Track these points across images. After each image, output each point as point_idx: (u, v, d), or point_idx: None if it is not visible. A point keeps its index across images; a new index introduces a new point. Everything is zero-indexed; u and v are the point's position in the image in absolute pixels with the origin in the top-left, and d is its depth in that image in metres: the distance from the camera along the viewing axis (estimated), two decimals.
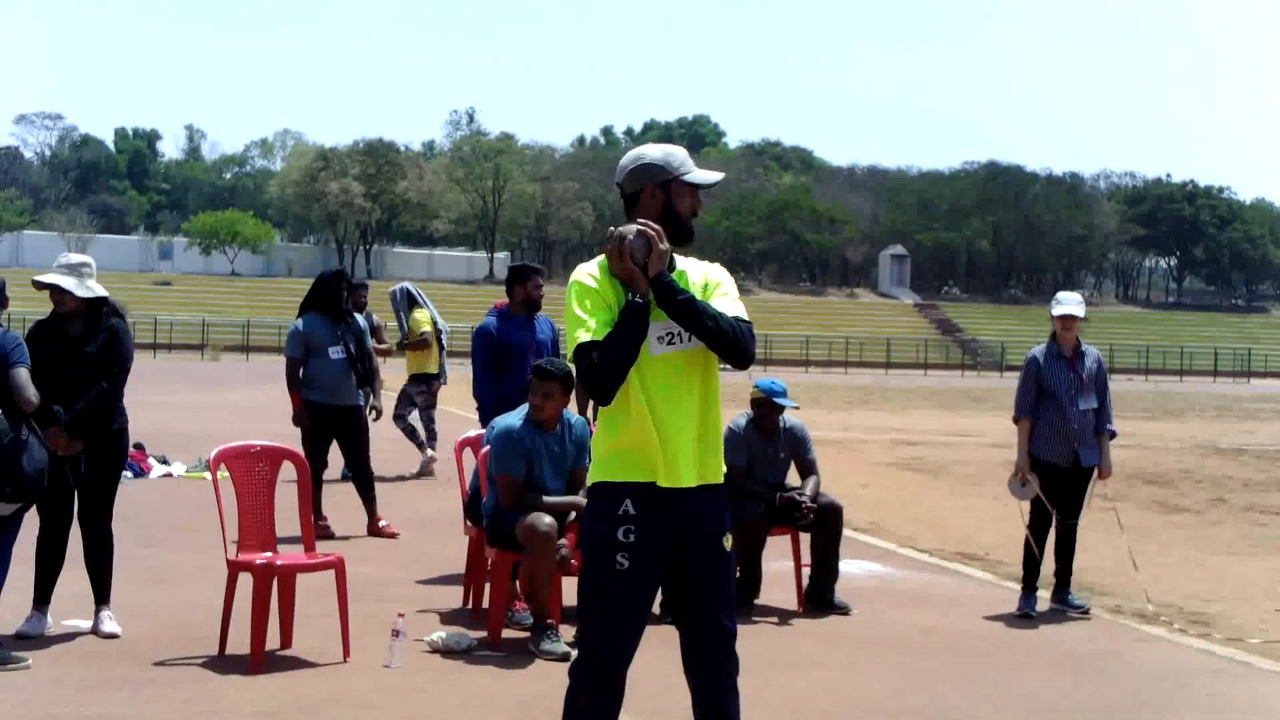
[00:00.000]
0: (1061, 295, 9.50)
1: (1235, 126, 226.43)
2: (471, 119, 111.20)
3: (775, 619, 8.78)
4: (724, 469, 4.62)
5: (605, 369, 4.33)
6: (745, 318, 4.56)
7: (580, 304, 4.40)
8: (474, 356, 9.86)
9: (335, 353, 11.29)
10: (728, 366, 4.61)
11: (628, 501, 4.43)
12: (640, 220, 4.47)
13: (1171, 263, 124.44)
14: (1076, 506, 9.32)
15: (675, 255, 4.59)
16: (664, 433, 4.43)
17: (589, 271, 4.48)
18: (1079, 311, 9.30)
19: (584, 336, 4.36)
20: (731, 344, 4.42)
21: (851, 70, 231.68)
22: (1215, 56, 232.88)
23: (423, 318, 15.23)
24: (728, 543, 4.58)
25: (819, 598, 9.05)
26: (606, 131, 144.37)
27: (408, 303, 15.39)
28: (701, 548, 4.52)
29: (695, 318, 4.38)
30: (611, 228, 4.45)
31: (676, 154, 4.60)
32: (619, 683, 4.52)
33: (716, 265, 4.74)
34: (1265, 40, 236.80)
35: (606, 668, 4.49)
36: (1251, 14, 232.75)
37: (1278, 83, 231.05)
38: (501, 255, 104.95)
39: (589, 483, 4.61)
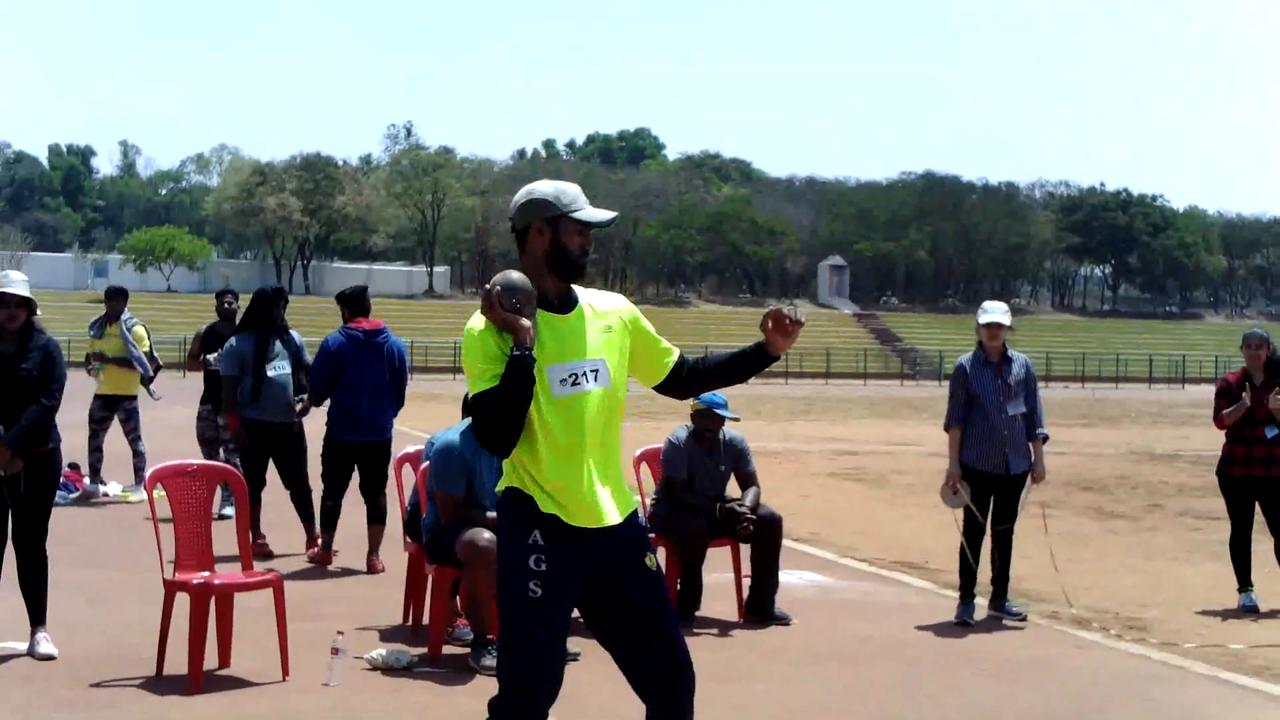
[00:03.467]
0: (987, 304, 9.61)
1: (1168, 135, 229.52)
2: (410, 133, 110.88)
3: (716, 630, 8.80)
4: (635, 496, 4.62)
5: (493, 423, 4.27)
6: (674, 352, 4.70)
7: (470, 356, 4.36)
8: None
9: (273, 370, 11.23)
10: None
11: (536, 532, 4.37)
12: (503, 274, 4.42)
13: (1106, 271, 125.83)
14: (1010, 513, 9.41)
15: (576, 288, 4.57)
16: (572, 476, 4.40)
17: (475, 324, 4.40)
18: (1004, 320, 9.41)
19: (476, 389, 4.32)
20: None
21: (790, 82, 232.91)
22: (1148, 66, 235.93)
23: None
24: (651, 561, 4.55)
25: (759, 609, 9.08)
26: (548, 144, 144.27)
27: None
28: (627, 576, 4.49)
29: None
30: (486, 285, 4.39)
31: (568, 191, 4.52)
32: (543, 716, 4.43)
33: (619, 296, 4.73)
34: (1197, 51, 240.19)
35: (530, 702, 4.40)
36: (1184, 25, 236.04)
37: (1209, 92, 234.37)
38: (441, 269, 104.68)
39: (500, 488, 4.53)
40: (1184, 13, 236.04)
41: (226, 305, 13.59)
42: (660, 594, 4.56)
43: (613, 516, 4.47)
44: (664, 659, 4.51)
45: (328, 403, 10.82)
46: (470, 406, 4.35)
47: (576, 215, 4.49)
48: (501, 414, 4.27)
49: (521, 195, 4.55)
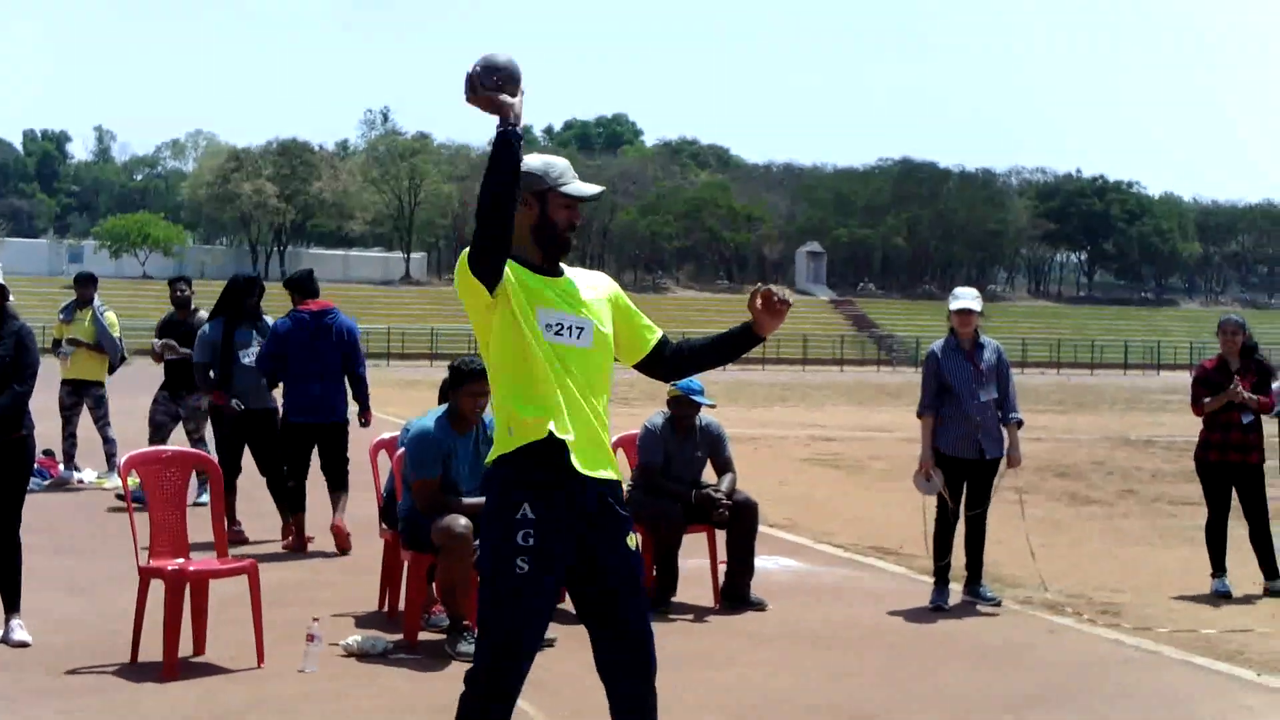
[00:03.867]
0: (958, 290, 9.63)
1: (1144, 122, 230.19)
2: (386, 118, 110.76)
3: (692, 616, 8.82)
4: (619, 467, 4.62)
5: (488, 214, 4.18)
6: (657, 331, 4.71)
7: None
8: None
9: (247, 357, 11.22)
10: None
11: (525, 505, 4.34)
12: (484, 54, 4.32)
13: (1082, 257, 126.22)
14: (983, 499, 9.44)
15: (561, 264, 4.57)
16: (561, 418, 4.35)
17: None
18: (975, 306, 9.43)
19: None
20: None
21: (768, 68, 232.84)
22: (1125, 53, 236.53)
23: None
24: (633, 541, 4.55)
25: (735, 594, 9.10)
26: (525, 130, 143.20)
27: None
28: (608, 548, 4.47)
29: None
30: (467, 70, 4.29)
31: (556, 164, 4.53)
32: (516, 692, 4.44)
33: (601, 274, 4.74)
34: (1173, 38, 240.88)
35: (505, 678, 4.40)
36: (1161, 12, 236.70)
37: (1185, 80, 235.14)
38: (418, 256, 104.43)
39: (491, 458, 4.49)
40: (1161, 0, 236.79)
41: (179, 293, 13.50)
42: (636, 580, 4.55)
43: (603, 471, 4.45)
44: (628, 646, 4.51)
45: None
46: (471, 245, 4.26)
47: (565, 189, 4.48)
48: (492, 202, 4.18)
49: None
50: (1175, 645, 8.34)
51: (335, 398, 10.93)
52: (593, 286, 4.62)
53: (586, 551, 4.45)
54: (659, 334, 4.77)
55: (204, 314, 13.16)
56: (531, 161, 4.48)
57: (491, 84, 4.25)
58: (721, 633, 8.45)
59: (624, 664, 4.52)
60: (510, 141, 4.20)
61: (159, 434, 13.02)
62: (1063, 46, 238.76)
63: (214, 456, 10.49)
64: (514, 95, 4.27)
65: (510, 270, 4.35)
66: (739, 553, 9.12)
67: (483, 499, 7.68)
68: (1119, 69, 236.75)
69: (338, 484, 10.96)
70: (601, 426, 4.50)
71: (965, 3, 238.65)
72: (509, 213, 4.22)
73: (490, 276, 4.29)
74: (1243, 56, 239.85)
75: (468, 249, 4.33)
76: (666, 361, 4.79)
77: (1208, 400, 10.14)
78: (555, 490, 4.37)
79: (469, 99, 4.28)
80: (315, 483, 10.99)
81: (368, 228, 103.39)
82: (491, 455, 4.51)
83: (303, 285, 11.10)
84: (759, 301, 4.55)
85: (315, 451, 11.03)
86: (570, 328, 4.43)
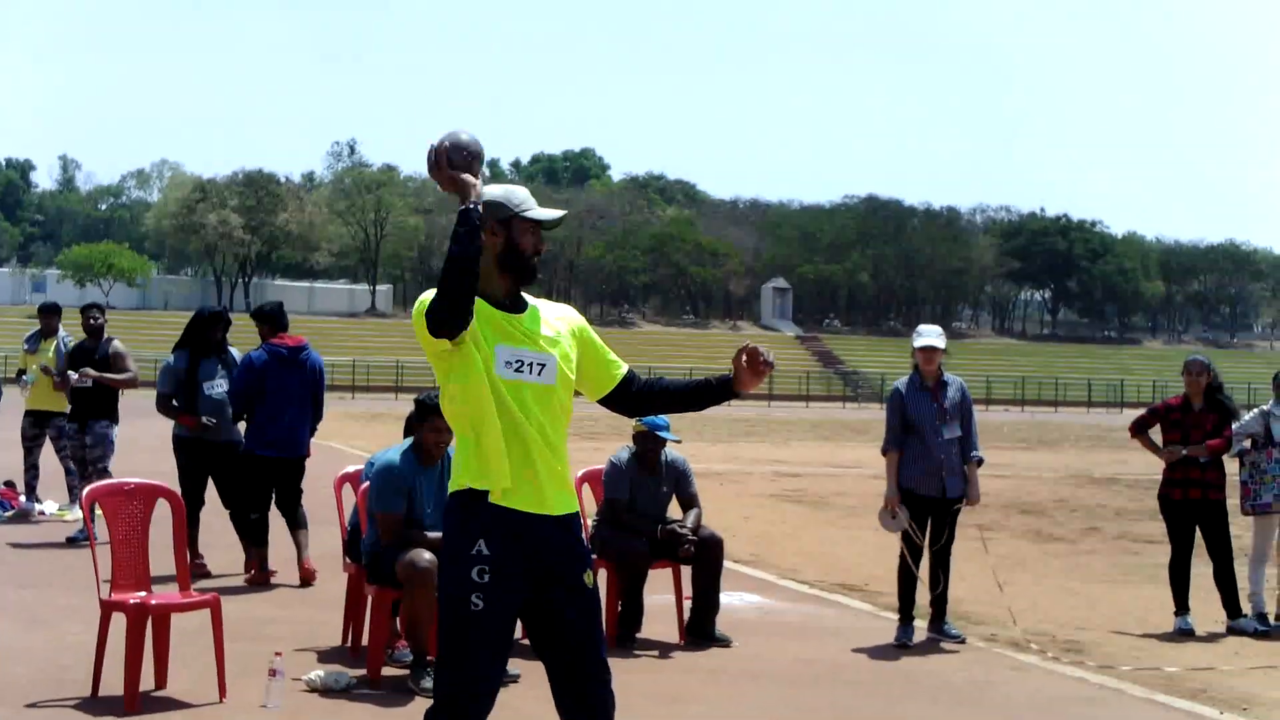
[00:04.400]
0: (922, 328, 9.68)
1: (1108, 162, 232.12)
2: (353, 150, 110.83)
3: (656, 652, 8.80)
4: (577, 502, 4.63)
5: (448, 288, 4.26)
6: (623, 366, 4.73)
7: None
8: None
9: (210, 388, 11.17)
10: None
11: (481, 541, 4.35)
12: (450, 131, 4.45)
13: (1046, 295, 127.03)
14: (948, 535, 9.47)
15: (525, 295, 4.60)
16: (518, 458, 4.38)
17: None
18: (939, 343, 9.48)
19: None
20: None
21: (735, 104, 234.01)
22: (1089, 93, 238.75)
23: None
24: (589, 579, 4.53)
25: (700, 630, 9.09)
26: (492, 164, 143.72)
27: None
28: (566, 589, 4.46)
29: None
30: (431, 143, 4.42)
31: (517, 192, 4.58)
32: None
33: (568, 307, 4.75)
34: (1134, 76, 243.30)
35: (465, 715, 4.39)
36: (1124, 52, 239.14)
37: (1146, 118, 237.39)
38: (384, 288, 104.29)
39: (451, 489, 4.48)
40: (1125, 40, 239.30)
41: (91, 320, 13.33)
42: (593, 616, 4.52)
43: (559, 507, 4.47)
44: (584, 684, 4.49)
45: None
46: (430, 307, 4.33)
47: (529, 214, 4.52)
48: (455, 275, 4.26)
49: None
50: (1138, 683, 8.36)
51: (304, 433, 10.94)
52: (558, 319, 4.63)
53: (542, 588, 4.44)
54: (624, 369, 4.77)
55: (118, 343, 13.18)
56: (492, 190, 4.53)
57: (460, 160, 4.40)
58: (685, 669, 8.42)
59: (581, 702, 4.49)
60: (472, 218, 4.33)
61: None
62: (1028, 86, 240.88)
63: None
64: (476, 174, 4.42)
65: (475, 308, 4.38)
66: (704, 589, 9.11)
67: None
68: (1084, 109, 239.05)
69: (296, 521, 10.93)
70: (560, 461, 4.50)
71: (933, 43, 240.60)
72: (471, 284, 4.30)
73: (452, 336, 4.35)
74: (1207, 98, 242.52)
75: (426, 297, 4.37)
76: (632, 398, 4.79)
77: (1158, 447, 10.34)
78: (511, 526, 4.38)
79: (433, 174, 4.44)
80: (277, 515, 10.94)
81: (333, 260, 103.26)
82: (451, 488, 4.51)
83: (274, 318, 11.07)
84: (744, 359, 4.56)
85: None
86: (531, 364, 4.45)
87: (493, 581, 4.34)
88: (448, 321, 4.30)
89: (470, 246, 4.29)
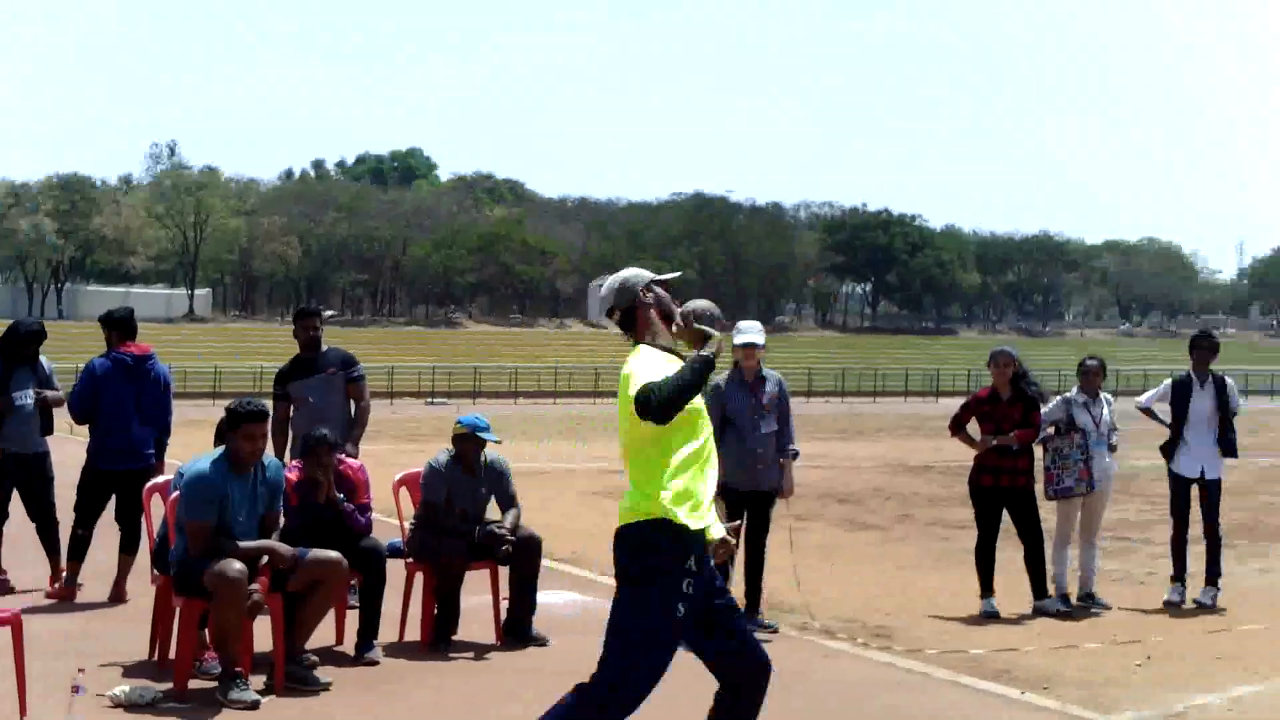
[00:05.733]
0: (742, 324, 9.83)
1: (928, 156, 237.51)
2: (173, 152, 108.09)
3: (472, 654, 8.80)
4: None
5: (671, 401, 5.06)
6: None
7: (642, 373, 5.17)
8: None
9: (20, 399, 10.85)
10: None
11: (692, 558, 5.15)
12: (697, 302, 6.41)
13: (867, 289, 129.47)
14: (763, 528, 9.63)
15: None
16: (694, 483, 5.23)
17: (650, 356, 5.29)
18: (759, 340, 9.64)
19: (645, 380, 5.10)
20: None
21: (563, 103, 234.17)
22: (910, 89, 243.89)
23: None
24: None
25: (516, 631, 9.10)
26: (317, 164, 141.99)
27: None
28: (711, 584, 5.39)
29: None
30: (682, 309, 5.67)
31: (638, 270, 5.62)
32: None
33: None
34: (955, 74, 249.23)
35: (624, 712, 5.28)
36: (940, 48, 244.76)
37: (966, 113, 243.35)
38: (203, 292, 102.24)
39: (657, 515, 5.14)
40: (941, 36, 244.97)
41: None
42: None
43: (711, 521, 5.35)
44: (747, 654, 5.56)
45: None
46: (645, 391, 5.08)
47: (657, 279, 5.59)
48: (680, 390, 5.09)
49: (614, 281, 5.55)
50: (944, 666, 8.61)
51: (149, 444, 10.63)
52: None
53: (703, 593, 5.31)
54: None
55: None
56: (628, 276, 5.55)
57: (712, 322, 5.81)
58: (501, 670, 8.44)
59: (749, 669, 5.65)
60: (712, 364, 5.26)
61: None
62: (852, 83, 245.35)
63: None
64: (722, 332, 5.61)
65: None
66: (521, 588, 9.13)
67: (259, 543, 7.65)
68: (906, 104, 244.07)
69: (131, 544, 10.55)
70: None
71: (758, 38, 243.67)
72: (686, 401, 5.15)
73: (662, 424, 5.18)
74: (1023, 92, 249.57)
75: (635, 376, 5.17)
76: None
77: (975, 440, 10.63)
78: (699, 553, 5.25)
79: (685, 327, 5.54)
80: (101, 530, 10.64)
81: (151, 264, 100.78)
82: (630, 517, 5.20)
83: (123, 325, 10.71)
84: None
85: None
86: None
87: (694, 593, 5.18)
88: (667, 420, 5.10)
89: (702, 379, 5.18)
